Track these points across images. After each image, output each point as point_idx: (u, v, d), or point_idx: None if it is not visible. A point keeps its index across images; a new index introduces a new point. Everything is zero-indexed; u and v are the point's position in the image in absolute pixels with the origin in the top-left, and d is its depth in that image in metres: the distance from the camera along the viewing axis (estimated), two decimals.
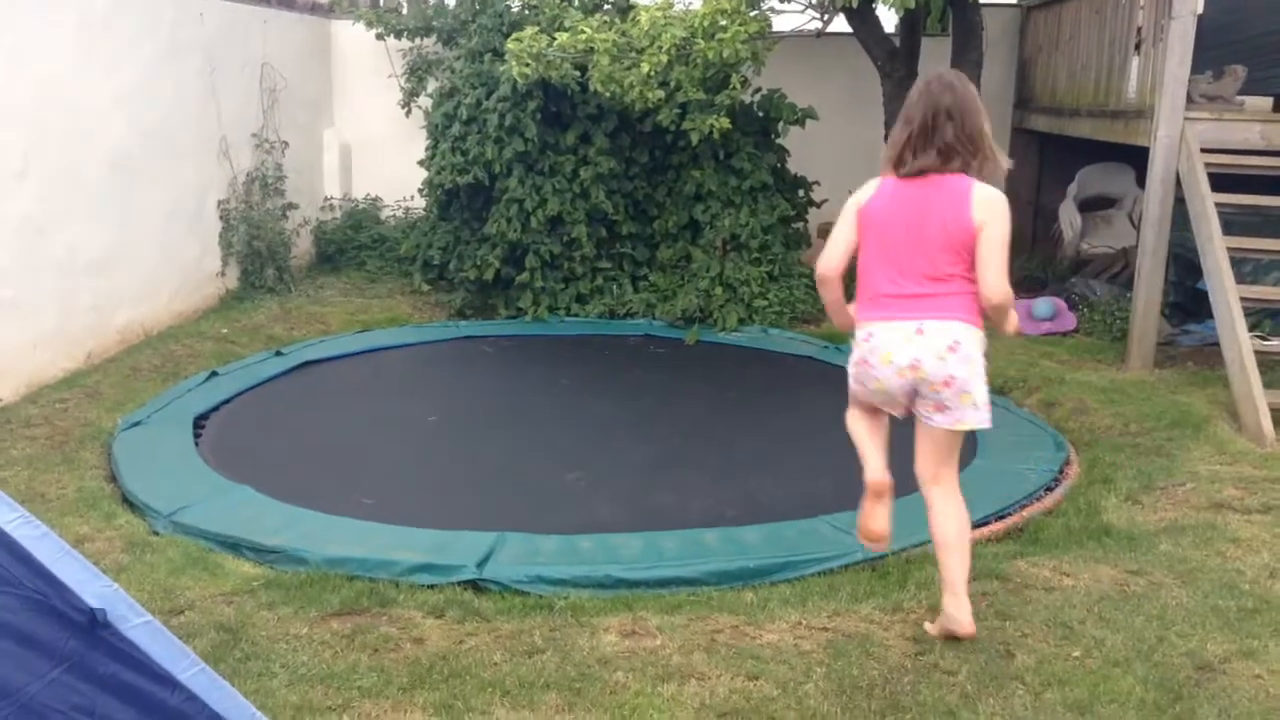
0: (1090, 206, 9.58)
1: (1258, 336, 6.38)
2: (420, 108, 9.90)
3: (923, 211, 3.43)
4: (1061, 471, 5.28)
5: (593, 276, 8.71)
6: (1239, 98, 7.28)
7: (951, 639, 3.54)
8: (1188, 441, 5.52)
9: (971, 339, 3.45)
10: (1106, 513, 4.76)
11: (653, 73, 7.02)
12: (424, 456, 5.70)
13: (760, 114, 8.81)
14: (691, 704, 3.22)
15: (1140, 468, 5.22)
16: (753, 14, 7.20)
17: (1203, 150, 6.59)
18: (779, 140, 8.97)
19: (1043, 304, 8.18)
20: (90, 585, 2.09)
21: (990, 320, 3.51)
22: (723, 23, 6.96)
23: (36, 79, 6.20)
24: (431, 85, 9.78)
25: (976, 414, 3.48)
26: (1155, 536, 4.44)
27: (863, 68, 9.21)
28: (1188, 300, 7.83)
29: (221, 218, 8.39)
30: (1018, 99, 10.38)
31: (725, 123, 7.66)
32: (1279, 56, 7.75)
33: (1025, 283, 9.54)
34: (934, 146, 3.44)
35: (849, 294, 3.65)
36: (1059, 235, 9.78)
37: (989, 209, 3.39)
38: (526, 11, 8.53)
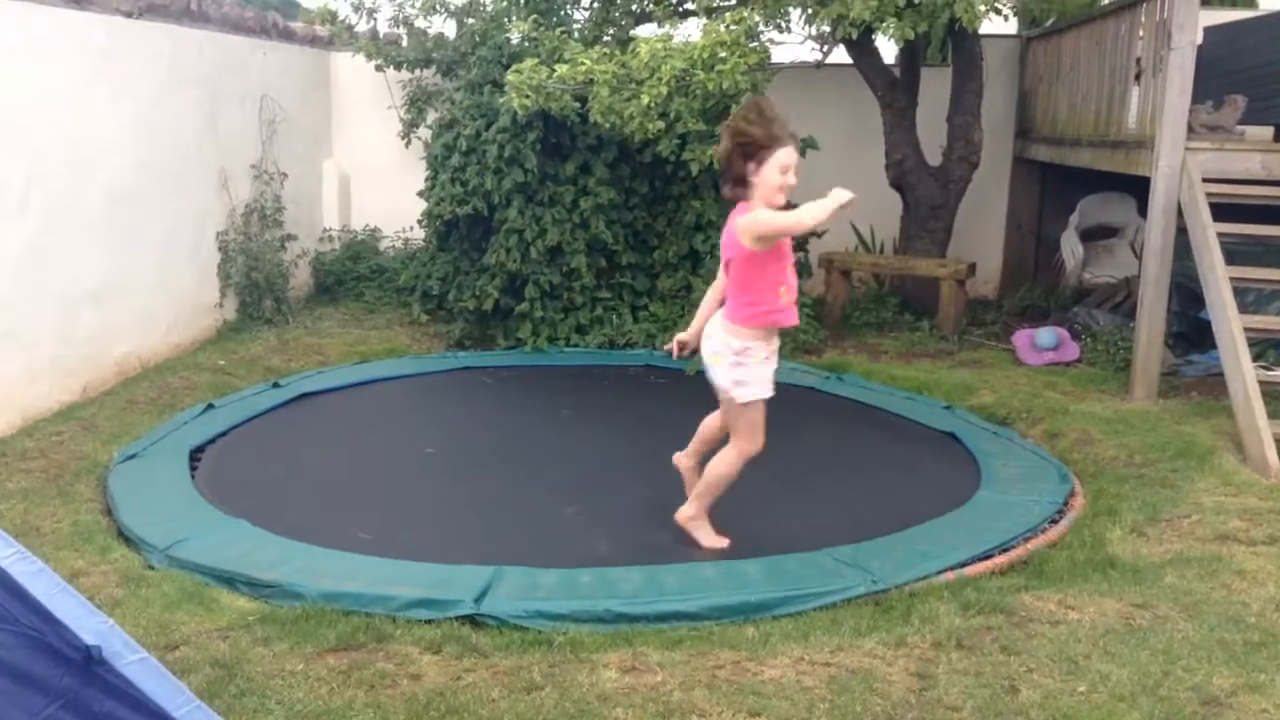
0: (1092, 236, 9.58)
1: (1262, 367, 6.35)
2: (419, 139, 9.90)
3: None
4: (1066, 503, 5.24)
5: (592, 307, 8.68)
6: (1239, 127, 7.29)
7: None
8: (1192, 473, 5.48)
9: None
10: (1111, 545, 4.71)
11: (653, 104, 7.03)
12: (422, 489, 5.65)
13: None
14: None
15: (1145, 499, 5.18)
16: (752, 45, 7.22)
17: (1204, 180, 6.58)
18: None
19: (1046, 334, 8.15)
20: (86, 621, 2.08)
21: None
22: (722, 54, 6.97)
23: (37, 111, 6.21)
24: (431, 116, 9.79)
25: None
26: (1160, 569, 4.40)
27: (863, 98, 9.26)
28: (1191, 330, 7.81)
29: (220, 249, 8.38)
30: (1019, 129, 10.40)
31: None
32: (1279, 87, 7.76)
33: (1028, 312, 9.54)
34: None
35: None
36: (1061, 265, 9.77)
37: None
38: (526, 44, 8.55)
